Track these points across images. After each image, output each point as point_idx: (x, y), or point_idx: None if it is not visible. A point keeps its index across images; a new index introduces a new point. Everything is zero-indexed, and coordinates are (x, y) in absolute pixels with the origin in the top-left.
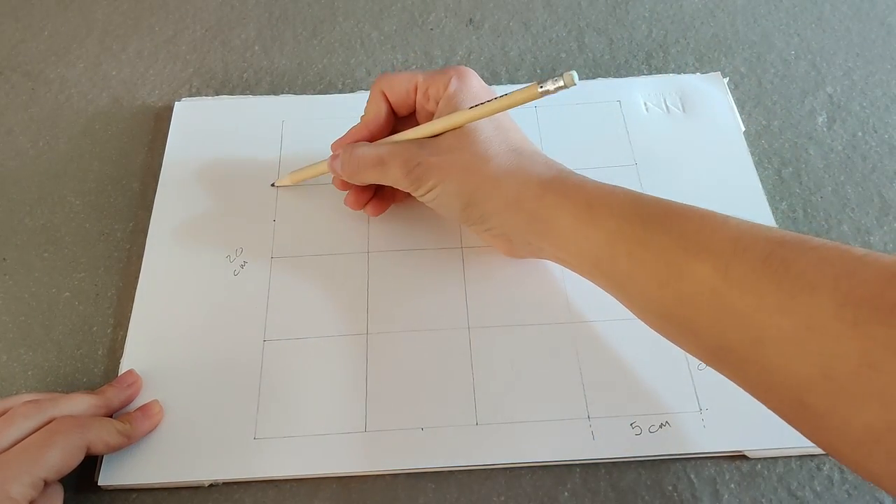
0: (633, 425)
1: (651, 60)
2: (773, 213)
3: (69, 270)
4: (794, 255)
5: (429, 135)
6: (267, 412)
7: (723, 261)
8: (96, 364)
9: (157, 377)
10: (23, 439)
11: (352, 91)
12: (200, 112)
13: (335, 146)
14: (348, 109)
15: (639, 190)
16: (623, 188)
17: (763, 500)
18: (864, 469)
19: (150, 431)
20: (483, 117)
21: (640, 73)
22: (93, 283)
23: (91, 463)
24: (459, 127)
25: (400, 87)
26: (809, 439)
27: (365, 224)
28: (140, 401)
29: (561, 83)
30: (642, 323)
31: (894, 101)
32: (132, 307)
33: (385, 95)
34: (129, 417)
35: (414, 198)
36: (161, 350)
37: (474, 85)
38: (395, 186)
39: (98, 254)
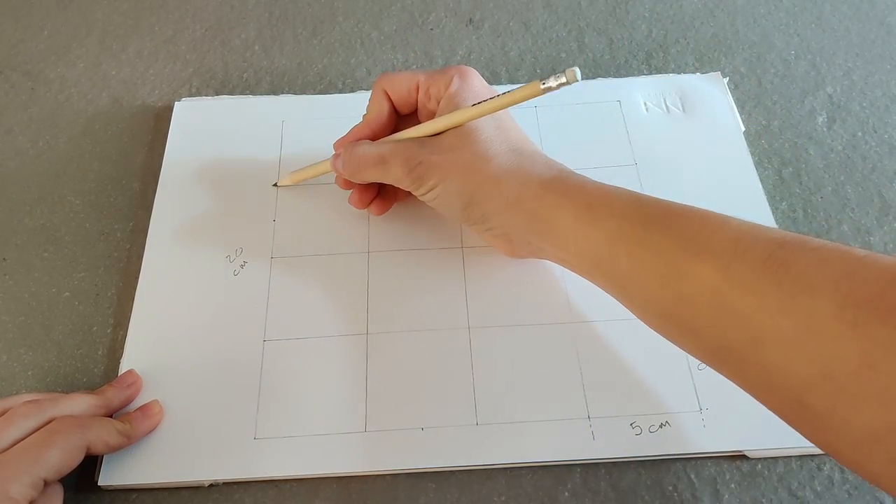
0: (633, 425)
1: (651, 60)
2: (773, 213)
3: (69, 270)
4: (794, 256)
5: (431, 133)
6: (267, 412)
7: (723, 261)
8: (96, 364)
9: (157, 377)
10: (23, 439)
11: (352, 91)
12: (200, 112)
13: (337, 145)
14: (348, 109)
15: (639, 190)
16: (623, 189)
17: (763, 500)
18: (864, 470)
19: (150, 431)
20: (485, 115)
21: (640, 73)
22: (93, 283)
23: (91, 463)
24: (462, 125)
25: (402, 86)
26: (809, 440)
27: (365, 224)
28: (140, 401)
29: (563, 79)
30: (642, 323)
31: (894, 101)
32: (132, 307)
33: (387, 94)
34: (129, 417)
35: (415, 197)
36: (161, 350)
37: (476, 84)
38: (396, 185)
39: (98, 254)
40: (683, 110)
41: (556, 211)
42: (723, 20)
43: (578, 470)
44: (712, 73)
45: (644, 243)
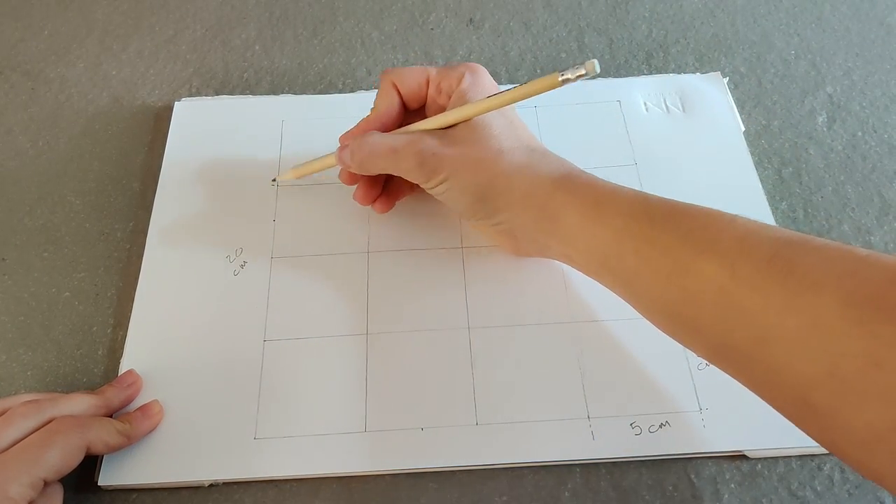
0: (634, 425)
1: (651, 60)
2: (773, 213)
3: (69, 270)
4: (798, 255)
5: (443, 125)
6: (267, 412)
7: (729, 259)
8: (96, 364)
9: (157, 377)
10: (22, 439)
11: (352, 91)
12: (200, 112)
13: (344, 138)
14: (348, 109)
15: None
16: (631, 188)
17: (763, 500)
18: (868, 468)
19: (150, 431)
20: (500, 107)
21: (640, 72)
22: (93, 283)
23: (91, 463)
24: (475, 116)
25: (412, 80)
26: (813, 438)
27: (365, 224)
28: (140, 401)
29: (582, 71)
30: (642, 323)
31: (894, 101)
32: (132, 307)
33: (396, 88)
34: (129, 417)
35: (415, 196)
36: (161, 350)
37: (486, 81)
38: (405, 177)
39: (98, 254)
40: (683, 110)
41: (564, 208)
42: (723, 20)
43: (579, 470)
44: (712, 73)
45: (651, 241)
